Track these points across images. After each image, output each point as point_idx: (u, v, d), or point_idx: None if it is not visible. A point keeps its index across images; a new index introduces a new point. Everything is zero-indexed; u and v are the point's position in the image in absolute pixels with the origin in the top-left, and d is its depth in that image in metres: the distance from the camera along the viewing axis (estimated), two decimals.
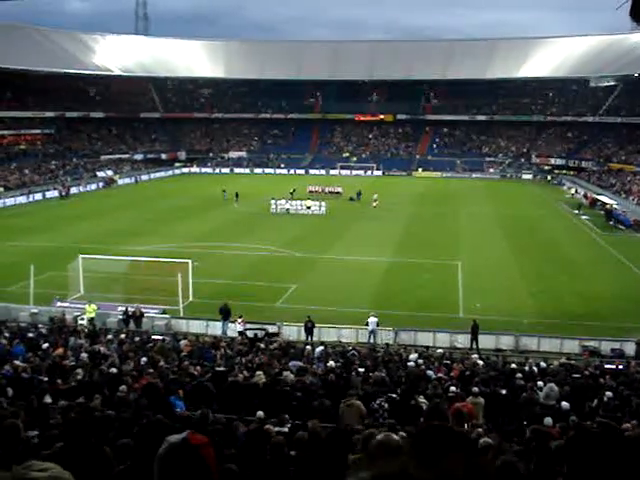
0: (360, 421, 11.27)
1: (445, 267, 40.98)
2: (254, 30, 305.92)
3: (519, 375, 18.23)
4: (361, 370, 18.40)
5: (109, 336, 24.49)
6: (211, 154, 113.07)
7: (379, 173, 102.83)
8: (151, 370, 16.33)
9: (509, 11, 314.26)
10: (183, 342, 23.60)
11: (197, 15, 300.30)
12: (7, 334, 22.53)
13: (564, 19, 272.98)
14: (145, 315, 29.76)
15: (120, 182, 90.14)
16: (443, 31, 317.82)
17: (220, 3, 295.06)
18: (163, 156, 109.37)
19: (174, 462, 3.02)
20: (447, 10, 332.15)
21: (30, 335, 23.21)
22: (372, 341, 27.66)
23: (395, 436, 3.45)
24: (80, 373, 15.14)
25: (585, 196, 73.43)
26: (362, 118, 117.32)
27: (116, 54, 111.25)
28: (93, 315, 29.23)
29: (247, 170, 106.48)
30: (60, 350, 19.26)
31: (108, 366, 16.43)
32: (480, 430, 10.77)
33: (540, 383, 17.14)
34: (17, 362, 16.15)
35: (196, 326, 29.69)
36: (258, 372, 15.82)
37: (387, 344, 26.37)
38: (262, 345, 24.00)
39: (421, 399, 14.01)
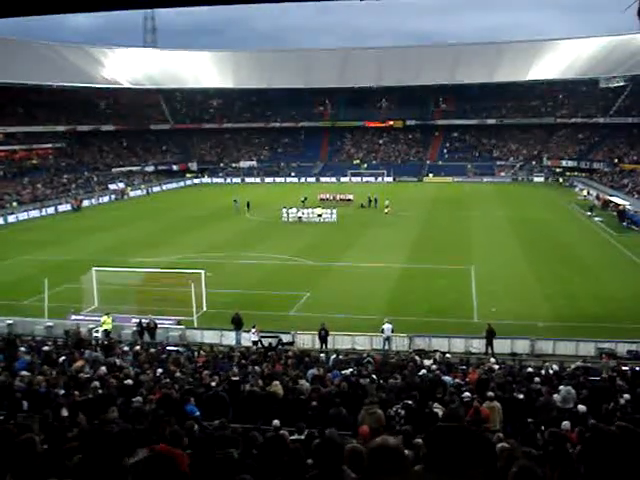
0: (379, 429, 11.22)
1: (459, 272, 40.83)
2: (261, 40, 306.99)
3: (536, 379, 18.10)
4: (376, 377, 18.33)
5: (125, 348, 24.56)
6: (222, 164, 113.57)
7: (390, 179, 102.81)
8: (166, 381, 16.36)
9: (512, 14, 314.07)
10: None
11: (203, 27, 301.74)
12: (23, 348, 22.60)
13: (570, 20, 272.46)
14: (159, 326, 29.83)
15: (132, 194, 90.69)
16: (448, 35, 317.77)
17: (226, 14, 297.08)
18: (174, 167, 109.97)
19: (148, 472, 3.04)
20: (451, 14, 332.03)
21: (45, 348, 23.26)
22: (387, 348, 27.58)
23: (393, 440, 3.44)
24: (96, 385, 15.16)
25: (597, 197, 73.11)
26: (372, 124, 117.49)
27: (125, 67, 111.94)
28: (109, 327, 29.33)
29: (258, 179, 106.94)
30: (78, 363, 19.30)
31: (123, 378, 16.45)
32: (501, 435, 10.71)
33: (559, 387, 17.01)
34: (24, 373, 16.19)
35: (210, 336, 29.72)
36: (275, 382, 15.78)
37: (398, 351, 26.29)
38: (274, 354, 23.97)
39: (437, 405, 13.95)
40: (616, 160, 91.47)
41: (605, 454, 2.83)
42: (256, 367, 19.98)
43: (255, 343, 27.50)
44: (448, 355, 24.39)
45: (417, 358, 22.77)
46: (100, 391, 14.68)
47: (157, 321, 29.90)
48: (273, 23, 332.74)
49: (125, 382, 15.77)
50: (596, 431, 3.02)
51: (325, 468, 3.88)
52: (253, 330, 28.10)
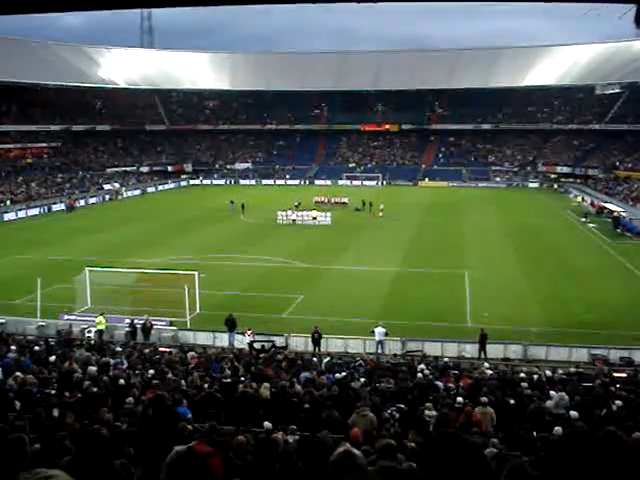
0: (372, 431, 11.20)
1: (452, 276, 40.85)
2: (252, 41, 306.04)
3: (528, 384, 18.09)
4: (368, 381, 18.31)
5: (117, 348, 24.49)
6: (217, 166, 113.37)
7: (385, 183, 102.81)
8: (159, 382, 16.30)
9: (509, 20, 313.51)
10: (190, 354, 23.55)
11: (200, 28, 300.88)
12: (15, 347, 22.50)
13: (567, 27, 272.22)
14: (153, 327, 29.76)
15: (126, 195, 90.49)
16: (445, 40, 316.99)
17: (218, 15, 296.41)
18: (169, 168, 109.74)
19: (180, 471, 3.01)
20: (448, 19, 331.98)
21: (37, 348, 23.18)
22: (380, 351, 27.56)
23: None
24: (88, 386, 15.10)
25: (592, 204, 73.26)
26: (367, 128, 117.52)
27: (121, 67, 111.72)
28: (103, 327, 29.22)
29: (253, 181, 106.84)
30: (69, 363, 19.22)
31: (116, 378, 16.38)
32: (495, 440, 10.71)
33: (551, 392, 17.01)
34: (18, 374, 16.11)
35: (203, 338, 29.67)
36: (265, 384, 15.73)
37: (395, 354, 26.27)
38: (265, 355, 23.90)
39: (429, 410, 13.93)
40: (610, 167, 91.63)
41: (586, 457, 2.83)
42: (248, 369, 19.94)
43: (250, 345, 27.40)
44: (446, 359, 24.33)
45: (410, 362, 22.76)
46: (92, 390, 14.62)
47: (151, 321, 29.83)
48: (264, 25, 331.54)
49: (117, 383, 15.71)
50: (577, 433, 3.01)
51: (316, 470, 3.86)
52: (249, 332, 28.06)
